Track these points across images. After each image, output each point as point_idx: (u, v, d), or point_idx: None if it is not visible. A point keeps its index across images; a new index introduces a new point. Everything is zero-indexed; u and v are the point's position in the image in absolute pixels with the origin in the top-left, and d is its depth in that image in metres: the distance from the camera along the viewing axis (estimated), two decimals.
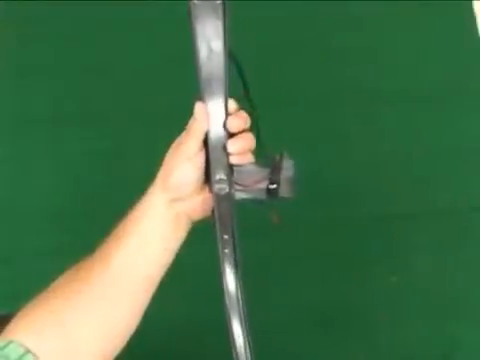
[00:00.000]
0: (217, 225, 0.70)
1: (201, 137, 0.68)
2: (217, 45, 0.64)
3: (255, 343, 0.69)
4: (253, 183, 0.69)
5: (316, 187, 1.39)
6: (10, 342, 0.62)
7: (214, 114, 0.67)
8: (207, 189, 0.70)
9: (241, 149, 0.68)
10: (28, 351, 0.62)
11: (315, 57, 1.64)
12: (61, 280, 0.69)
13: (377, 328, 1.35)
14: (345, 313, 1.36)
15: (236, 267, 0.70)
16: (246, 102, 0.70)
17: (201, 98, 0.67)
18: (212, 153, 0.68)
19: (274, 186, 0.69)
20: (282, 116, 1.43)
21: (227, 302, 0.69)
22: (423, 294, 1.38)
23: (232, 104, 0.68)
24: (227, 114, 0.68)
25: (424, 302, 1.37)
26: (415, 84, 1.61)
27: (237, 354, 0.67)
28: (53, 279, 0.69)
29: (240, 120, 0.68)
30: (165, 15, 1.66)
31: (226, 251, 0.70)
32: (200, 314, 1.27)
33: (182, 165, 0.68)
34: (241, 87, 0.70)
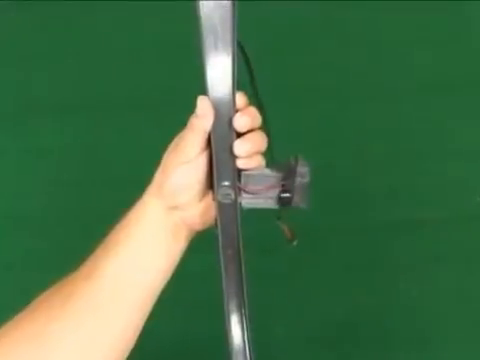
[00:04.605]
0: (220, 237, 0.65)
1: (204, 136, 0.62)
2: (225, 36, 0.59)
3: None
4: (263, 190, 0.64)
5: (327, 189, 1.32)
6: None
7: (219, 110, 0.61)
8: (210, 196, 0.65)
9: (250, 151, 0.62)
10: None
11: (327, 50, 1.62)
12: (42, 298, 0.64)
13: (394, 349, 1.28)
14: (358, 331, 1.30)
15: (241, 286, 0.65)
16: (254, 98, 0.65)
17: (205, 91, 0.61)
18: (216, 155, 0.62)
19: (287, 194, 0.64)
20: (292, 112, 1.41)
21: (228, 325, 0.66)
22: (447, 311, 1.31)
23: (241, 99, 0.61)
24: (235, 110, 0.61)
25: (449, 320, 1.30)
26: (418, 84, 1.59)
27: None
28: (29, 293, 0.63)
29: (249, 118, 0.62)
30: (154, 3, 1.60)
31: (229, 268, 0.65)
32: (199, 328, 1.22)
33: (181, 168, 0.62)
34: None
